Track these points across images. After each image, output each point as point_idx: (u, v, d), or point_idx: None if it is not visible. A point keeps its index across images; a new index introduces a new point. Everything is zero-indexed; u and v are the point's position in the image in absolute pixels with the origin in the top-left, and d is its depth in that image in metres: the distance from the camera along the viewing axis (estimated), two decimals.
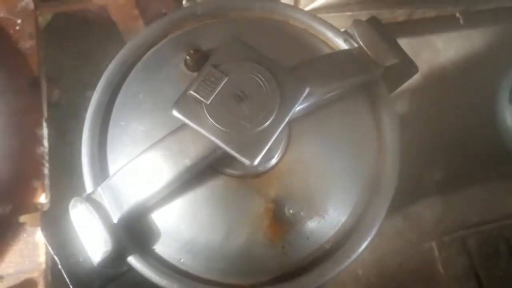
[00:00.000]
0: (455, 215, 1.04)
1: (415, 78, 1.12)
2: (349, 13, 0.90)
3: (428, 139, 1.10)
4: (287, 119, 0.39)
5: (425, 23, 1.04)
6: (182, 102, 0.38)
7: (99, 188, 0.43)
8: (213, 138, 0.38)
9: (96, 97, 0.49)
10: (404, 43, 1.17)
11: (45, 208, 0.73)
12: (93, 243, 0.42)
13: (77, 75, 1.21)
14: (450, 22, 1.04)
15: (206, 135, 0.38)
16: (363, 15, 0.92)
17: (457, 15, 1.00)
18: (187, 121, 0.38)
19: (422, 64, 1.14)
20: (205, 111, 0.38)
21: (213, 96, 0.38)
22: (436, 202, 1.05)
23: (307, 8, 0.87)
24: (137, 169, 0.42)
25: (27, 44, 0.78)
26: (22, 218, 0.73)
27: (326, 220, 0.46)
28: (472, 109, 1.11)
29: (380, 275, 1.01)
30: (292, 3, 0.86)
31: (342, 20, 0.90)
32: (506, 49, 1.13)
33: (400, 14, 0.96)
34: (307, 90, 0.39)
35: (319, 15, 0.88)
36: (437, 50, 1.15)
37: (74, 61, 1.22)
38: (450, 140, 1.10)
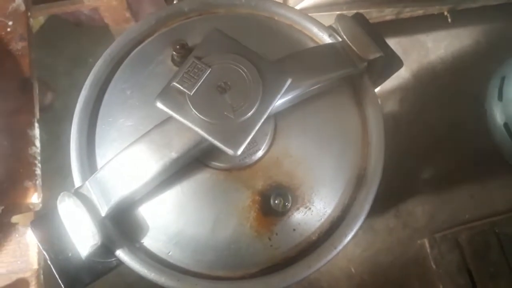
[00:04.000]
0: (446, 212, 1.05)
1: (406, 77, 1.14)
2: (338, 12, 0.90)
3: (418, 137, 1.11)
4: (269, 109, 0.39)
5: (413, 22, 1.05)
6: (166, 94, 0.39)
7: (86, 183, 0.44)
8: (196, 129, 0.38)
9: (84, 93, 0.50)
10: (394, 42, 1.18)
11: (37, 208, 0.73)
12: (81, 237, 0.43)
13: (70, 78, 1.21)
14: (438, 21, 1.05)
15: (189, 126, 0.38)
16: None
17: (445, 13, 1.01)
18: (170, 112, 0.39)
19: (412, 63, 1.15)
20: (189, 102, 0.38)
21: (196, 88, 0.38)
22: (427, 200, 1.06)
23: (296, 7, 0.87)
24: (123, 163, 0.43)
25: (18, 45, 0.78)
26: (14, 219, 0.74)
27: (313, 211, 0.47)
28: (462, 106, 1.12)
29: (373, 272, 1.02)
30: (280, 1, 0.86)
31: (331, 19, 0.91)
32: (495, 47, 1.15)
33: (388, 13, 0.97)
34: (288, 81, 0.40)
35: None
36: (427, 49, 1.16)
37: (68, 64, 1.22)
38: (441, 137, 1.11)
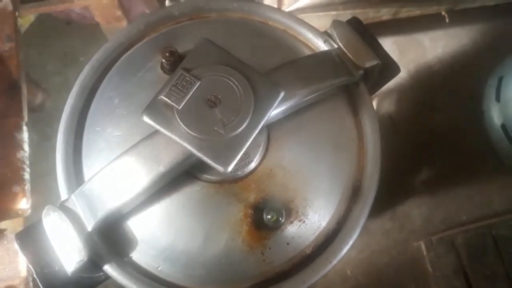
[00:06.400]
0: (442, 214, 1.04)
1: (403, 77, 1.13)
2: (334, 13, 0.89)
3: (415, 138, 1.10)
4: (261, 124, 0.38)
5: (411, 22, 1.04)
6: (153, 107, 0.37)
7: (72, 196, 0.42)
8: (185, 145, 0.37)
9: (70, 102, 0.48)
10: (391, 41, 1.17)
11: (26, 214, 0.72)
12: (67, 252, 0.41)
13: (61, 77, 1.19)
14: (436, 20, 1.03)
15: (178, 141, 0.37)
16: (348, 15, 0.91)
17: (443, 13, 1.00)
18: (158, 126, 0.37)
19: (409, 63, 1.14)
20: (177, 116, 0.37)
21: (184, 101, 0.37)
22: (424, 201, 1.05)
23: (291, 8, 0.86)
24: (110, 176, 0.41)
25: (5, 46, 0.77)
26: (3, 225, 0.72)
27: (307, 225, 0.45)
28: (459, 107, 1.11)
29: (369, 275, 1.01)
30: (275, 2, 0.85)
31: (327, 20, 0.90)
32: (493, 48, 1.13)
33: (385, 13, 0.96)
34: (281, 94, 0.38)
35: (304, 15, 0.88)
36: (424, 49, 1.14)
37: (59, 63, 1.20)
38: (438, 138, 1.10)
